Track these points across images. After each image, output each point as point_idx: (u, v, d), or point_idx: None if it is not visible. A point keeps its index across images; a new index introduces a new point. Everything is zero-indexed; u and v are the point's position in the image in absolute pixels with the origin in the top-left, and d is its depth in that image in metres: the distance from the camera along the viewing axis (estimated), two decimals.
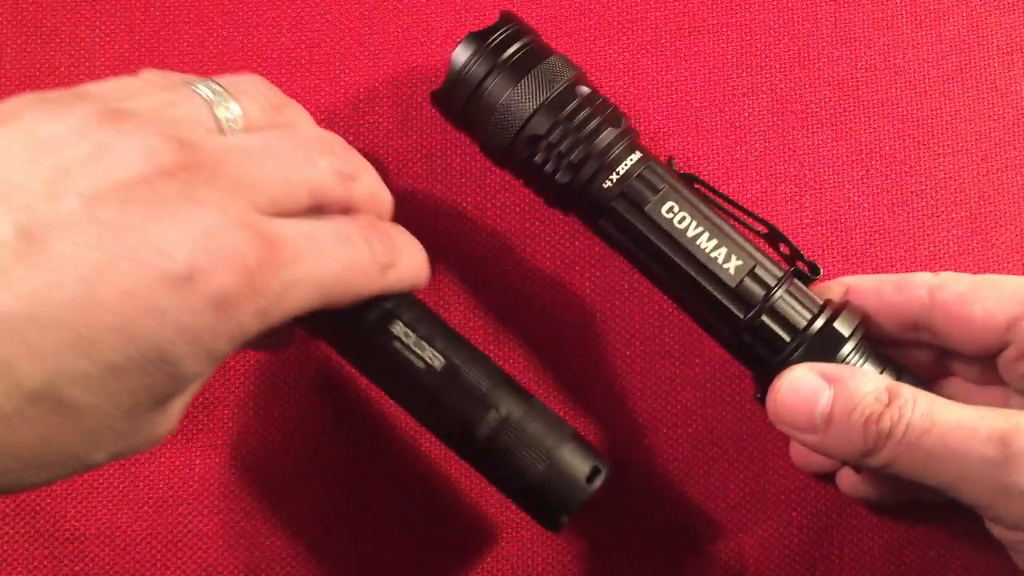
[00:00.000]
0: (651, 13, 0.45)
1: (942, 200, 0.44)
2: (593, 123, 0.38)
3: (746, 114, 0.45)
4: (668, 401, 0.43)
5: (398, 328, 0.36)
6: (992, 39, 0.45)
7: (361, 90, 0.44)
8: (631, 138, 0.39)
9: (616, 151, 0.38)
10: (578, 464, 0.35)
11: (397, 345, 0.35)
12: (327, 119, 0.44)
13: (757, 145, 0.44)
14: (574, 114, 0.38)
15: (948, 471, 0.32)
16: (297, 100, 0.43)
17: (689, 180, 0.40)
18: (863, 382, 0.33)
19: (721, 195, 0.40)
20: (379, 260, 0.33)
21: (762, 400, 0.37)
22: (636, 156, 0.38)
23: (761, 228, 0.41)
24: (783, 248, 0.41)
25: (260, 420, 0.43)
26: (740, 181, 0.44)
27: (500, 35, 0.38)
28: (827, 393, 0.34)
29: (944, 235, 0.44)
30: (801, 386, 0.34)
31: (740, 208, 0.40)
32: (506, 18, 0.40)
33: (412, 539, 0.43)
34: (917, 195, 0.44)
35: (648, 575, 0.43)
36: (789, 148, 0.45)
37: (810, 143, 0.45)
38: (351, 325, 0.35)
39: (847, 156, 0.45)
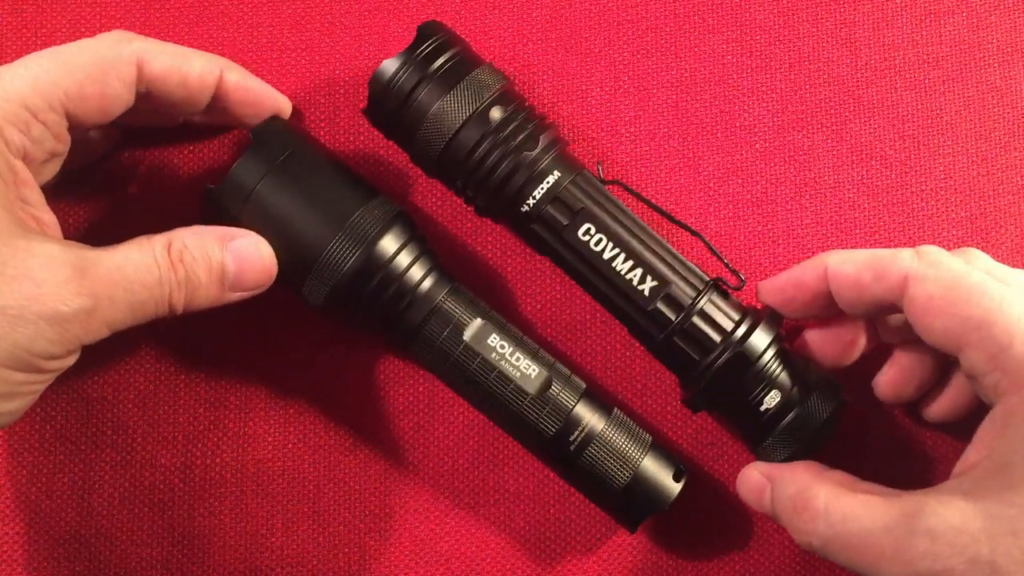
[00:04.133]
0: (651, 13, 0.45)
1: (942, 200, 0.44)
2: (516, 141, 0.38)
3: (746, 114, 0.45)
4: (668, 401, 0.43)
5: (495, 340, 0.38)
6: (992, 39, 0.45)
7: (361, 89, 0.44)
8: (554, 153, 0.38)
9: (539, 168, 0.38)
10: (658, 476, 0.39)
11: (495, 357, 0.38)
12: (327, 119, 0.44)
13: (757, 145, 0.44)
14: (498, 132, 0.37)
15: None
16: (297, 103, 0.44)
17: (619, 187, 0.40)
18: (787, 486, 0.36)
19: (649, 203, 0.41)
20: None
21: (689, 405, 0.40)
22: (555, 176, 0.38)
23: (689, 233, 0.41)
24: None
25: (261, 421, 0.43)
26: (740, 181, 0.44)
27: (428, 47, 0.38)
28: (768, 492, 0.38)
29: (944, 235, 0.44)
30: (749, 481, 0.39)
31: (666, 216, 0.41)
32: (432, 29, 0.39)
33: (410, 540, 0.43)
34: (917, 195, 0.44)
35: (648, 574, 0.43)
36: (789, 148, 0.45)
37: (810, 143, 0.45)
38: (452, 341, 0.37)
39: (847, 156, 0.45)
